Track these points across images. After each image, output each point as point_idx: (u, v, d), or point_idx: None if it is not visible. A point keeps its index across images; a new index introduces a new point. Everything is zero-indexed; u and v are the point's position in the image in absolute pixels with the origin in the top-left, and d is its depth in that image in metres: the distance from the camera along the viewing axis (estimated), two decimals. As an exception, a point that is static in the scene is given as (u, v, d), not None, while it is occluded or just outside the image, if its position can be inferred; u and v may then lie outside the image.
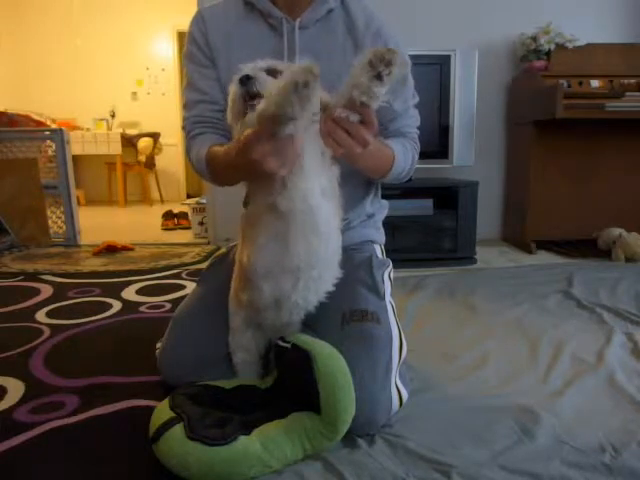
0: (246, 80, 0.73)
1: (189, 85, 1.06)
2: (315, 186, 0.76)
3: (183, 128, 1.08)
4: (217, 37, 1.03)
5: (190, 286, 1.87)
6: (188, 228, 3.32)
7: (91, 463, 0.80)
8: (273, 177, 0.72)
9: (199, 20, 1.05)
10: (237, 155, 0.75)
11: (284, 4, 1.00)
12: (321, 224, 0.78)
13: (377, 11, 1.04)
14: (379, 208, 1.18)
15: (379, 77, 0.68)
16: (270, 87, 0.69)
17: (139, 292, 1.82)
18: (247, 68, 0.75)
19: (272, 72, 0.76)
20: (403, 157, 1.01)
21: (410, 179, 1.16)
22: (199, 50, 1.04)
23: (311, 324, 0.92)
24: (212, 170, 0.95)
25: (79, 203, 3.60)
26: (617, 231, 2.30)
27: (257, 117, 0.68)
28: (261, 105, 0.68)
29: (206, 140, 0.99)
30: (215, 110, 1.03)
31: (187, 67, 1.06)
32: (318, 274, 0.83)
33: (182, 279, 2.00)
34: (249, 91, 0.73)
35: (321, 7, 1.00)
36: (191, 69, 1.05)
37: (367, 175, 1.04)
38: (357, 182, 1.06)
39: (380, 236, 1.19)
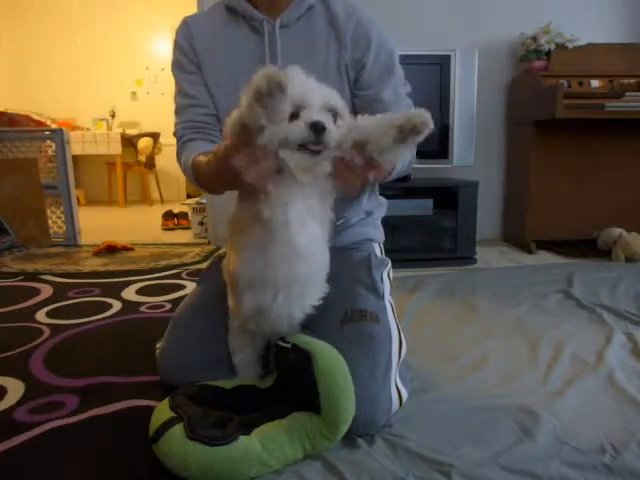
0: (322, 130, 0.69)
1: (179, 91, 1.08)
2: (297, 203, 0.74)
3: (174, 134, 1.09)
4: (202, 42, 1.04)
5: (190, 286, 1.87)
6: (188, 228, 3.32)
7: (91, 463, 0.80)
8: (253, 187, 0.72)
9: (184, 27, 1.06)
10: (217, 165, 0.75)
11: (264, 5, 1.01)
12: (299, 242, 0.75)
13: (373, 11, 1.04)
14: (377, 206, 1.18)
15: (403, 142, 0.68)
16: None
17: (139, 292, 1.82)
18: (316, 110, 0.71)
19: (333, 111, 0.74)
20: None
21: (409, 177, 1.15)
22: (185, 57, 1.05)
23: (310, 324, 0.92)
24: (198, 179, 0.95)
25: (79, 203, 3.60)
26: (617, 231, 2.30)
27: (231, 127, 0.68)
28: (232, 114, 0.68)
29: (194, 148, 1.00)
30: (205, 114, 1.05)
31: (175, 75, 1.08)
32: (300, 291, 0.81)
33: (182, 279, 2.00)
34: (318, 140, 0.69)
35: (300, 5, 1.00)
36: (179, 77, 1.07)
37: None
38: None
39: (379, 234, 1.19)
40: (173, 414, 0.79)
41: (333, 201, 0.81)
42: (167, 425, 0.77)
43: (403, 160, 0.99)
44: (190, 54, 1.05)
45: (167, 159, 5.54)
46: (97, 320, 1.50)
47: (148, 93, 5.57)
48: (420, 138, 0.68)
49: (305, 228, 0.76)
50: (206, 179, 0.91)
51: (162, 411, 0.82)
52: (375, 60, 1.01)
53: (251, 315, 0.85)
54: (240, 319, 0.90)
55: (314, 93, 0.73)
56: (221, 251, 1.08)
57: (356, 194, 0.81)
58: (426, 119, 0.67)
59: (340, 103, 0.75)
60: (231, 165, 0.69)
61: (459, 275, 2.06)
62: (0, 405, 0.98)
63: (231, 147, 0.69)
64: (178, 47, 1.07)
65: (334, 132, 0.71)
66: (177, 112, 1.09)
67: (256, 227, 0.77)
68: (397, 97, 1.04)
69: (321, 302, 0.86)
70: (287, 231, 0.75)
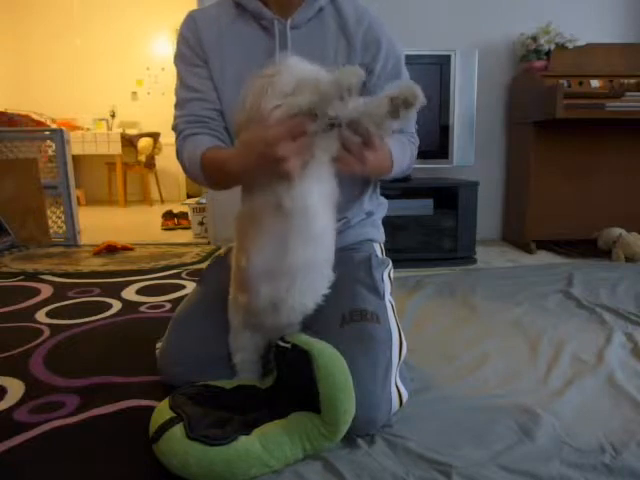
0: None
1: (181, 84, 1.05)
2: (315, 189, 0.77)
3: (174, 127, 1.06)
4: (209, 37, 1.02)
5: (190, 286, 1.87)
6: (188, 228, 3.32)
7: (91, 463, 0.80)
8: (284, 178, 0.73)
9: (190, 21, 1.04)
10: (256, 154, 0.74)
11: (275, 4, 1.00)
12: (316, 226, 0.79)
13: (373, 10, 1.04)
14: (378, 206, 1.18)
15: (395, 115, 0.69)
16: (310, 82, 0.70)
17: (139, 292, 1.82)
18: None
19: None
20: (402, 155, 1.01)
21: (409, 177, 1.14)
22: (191, 50, 1.03)
23: (311, 324, 0.92)
24: (208, 174, 0.94)
25: (79, 203, 3.60)
26: (617, 231, 2.30)
27: (292, 111, 0.70)
28: (300, 99, 0.69)
29: (201, 142, 0.98)
30: (208, 108, 1.02)
31: (179, 67, 1.05)
32: (312, 278, 0.84)
33: (182, 279, 2.00)
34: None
35: (312, 6, 1.00)
36: (183, 69, 1.04)
37: (364, 177, 1.04)
38: (354, 180, 1.06)
39: (380, 235, 1.19)
40: (173, 414, 0.79)
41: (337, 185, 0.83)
42: (167, 425, 0.77)
43: (405, 124, 1.01)
44: (197, 49, 1.02)
45: (167, 159, 5.55)
46: (97, 320, 1.50)
47: (149, 93, 5.57)
48: (412, 111, 0.70)
49: (322, 214, 0.79)
50: (221, 173, 0.89)
51: (162, 411, 0.82)
52: (384, 66, 1.01)
53: (265, 309, 0.85)
54: (248, 315, 0.90)
55: (321, 73, 0.75)
56: (221, 251, 1.07)
57: (356, 175, 0.82)
58: (416, 92, 0.68)
59: None
60: (276, 153, 0.70)
61: (459, 275, 2.06)
62: (0, 405, 0.98)
63: (283, 133, 0.70)
64: (184, 40, 1.04)
65: (345, 107, 0.72)
66: (178, 105, 1.06)
67: (271, 216, 0.78)
68: None
69: (329, 291, 0.88)
70: (306, 219, 0.77)
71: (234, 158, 0.82)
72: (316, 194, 0.77)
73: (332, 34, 1.01)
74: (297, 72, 0.76)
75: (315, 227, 0.79)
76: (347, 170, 0.77)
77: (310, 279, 0.83)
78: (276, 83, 0.75)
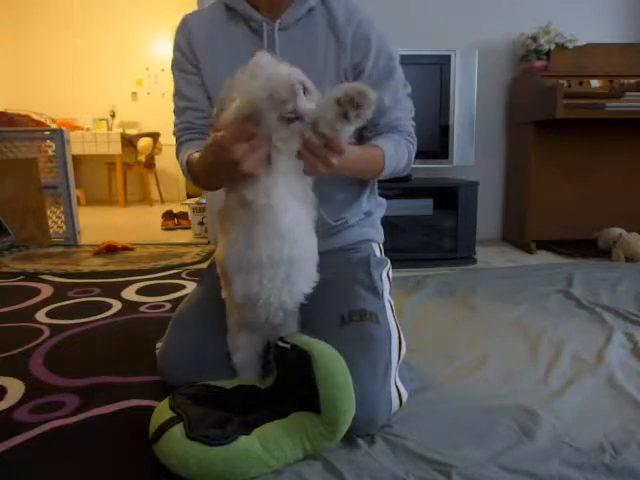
0: (294, 89, 0.70)
1: (177, 92, 1.09)
2: (280, 184, 0.76)
3: (173, 134, 1.11)
4: (201, 41, 1.04)
5: (190, 286, 1.87)
6: (188, 228, 3.32)
7: (91, 463, 0.80)
8: (247, 177, 0.73)
9: (183, 26, 1.06)
10: (214, 158, 0.76)
11: (265, 6, 1.00)
12: (283, 223, 0.77)
13: (373, 11, 1.04)
14: (376, 206, 1.18)
15: (346, 117, 0.69)
16: (250, 88, 0.71)
17: (139, 292, 1.82)
18: (288, 79, 0.73)
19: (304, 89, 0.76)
20: (395, 154, 1.00)
21: (410, 177, 1.13)
22: (183, 56, 1.05)
23: (310, 324, 0.92)
24: (193, 175, 0.97)
25: (79, 203, 3.60)
26: (617, 231, 2.30)
27: (233, 119, 0.70)
28: (238, 106, 0.70)
29: (191, 147, 1.01)
30: (201, 117, 1.06)
31: (174, 75, 1.09)
32: (285, 274, 0.81)
33: (182, 279, 2.00)
34: (291, 98, 0.70)
35: (301, 7, 0.99)
36: (178, 76, 1.08)
37: (358, 178, 1.04)
38: (351, 180, 1.06)
39: (378, 234, 1.19)
40: (173, 414, 0.79)
41: (312, 181, 0.82)
42: (167, 425, 0.77)
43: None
44: (188, 54, 1.05)
45: (167, 159, 5.55)
46: (97, 320, 1.50)
47: (148, 93, 5.57)
48: (363, 114, 0.68)
49: (288, 210, 0.77)
50: (200, 174, 0.92)
51: (162, 411, 0.82)
52: (374, 65, 1.01)
53: (243, 304, 0.85)
54: (236, 313, 0.90)
55: (284, 69, 0.75)
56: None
57: (318, 174, 0.81)
58: (364, 90, 0.67)
59: (309, 81, 0.77)
60: (230, 156, 0.70)
61: (459, 275, 2.06)
62: (0, 405, 0.98)
63: (232, 137, 0.70)
64: (176, 46, 1.07)
65: (305, 101, 0.72)
66: (175, 113, 1.10)
67: (241, 211, 0.79)
68: (396, 100, 1.04)
69: (312, 291, 0.86)
70: (271, 213, 0.76)
71: (199, 162, 0.85)
72: (282, 188, 0.76)
73: (322, 34, 1.00)
74: (262, 72, 0.75)
75: (282, 221, 0.77)
76: (311, 170, 0.77)
77: (282, 274, 0.80)
78: (238, 83, 0.76)
